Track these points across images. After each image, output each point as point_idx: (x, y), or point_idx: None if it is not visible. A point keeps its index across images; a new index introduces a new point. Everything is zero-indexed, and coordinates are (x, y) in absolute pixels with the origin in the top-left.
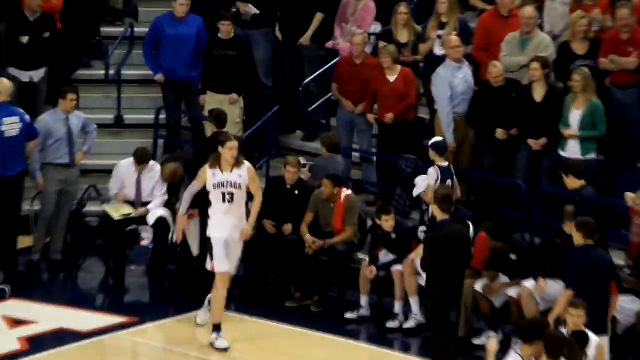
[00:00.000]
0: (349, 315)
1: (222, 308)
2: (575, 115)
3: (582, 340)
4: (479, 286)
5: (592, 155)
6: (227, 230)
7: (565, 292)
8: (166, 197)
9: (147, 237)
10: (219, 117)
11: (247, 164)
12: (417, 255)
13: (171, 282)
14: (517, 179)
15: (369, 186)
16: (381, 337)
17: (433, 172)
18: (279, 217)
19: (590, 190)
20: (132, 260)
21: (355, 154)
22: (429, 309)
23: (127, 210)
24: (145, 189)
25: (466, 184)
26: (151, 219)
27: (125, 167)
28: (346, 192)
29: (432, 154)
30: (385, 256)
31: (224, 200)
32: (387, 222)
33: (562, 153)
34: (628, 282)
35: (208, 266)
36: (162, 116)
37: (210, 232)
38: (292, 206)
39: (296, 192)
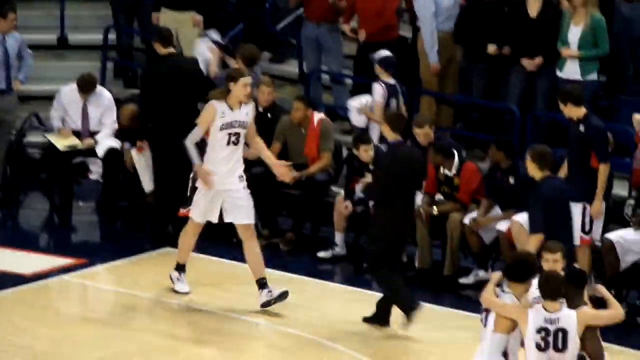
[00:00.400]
0: (322, 255)
1: (189, 250)
2: (574, 32)
3: (579, 280)
4: (467, 220)
5: (593, 76)
6: (223, 180)
7: (534, 236)
8: (116, 126)
9: (95, 171)
10: (162, 35)
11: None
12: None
13: (123, 220)
14: (509, 103)
15: (343, 112)
16: (358, 278)
17: (379, 89)
18: None
19: (596, 118)
20: (80, 195)
21: (325, 76)
22: (373, 239)
23: (73, 141)
24: (93, 118)
25: (453, 109)
26: (100, 151)
27: (69, 93)
28: (319, 115)
29: (378, 70)
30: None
31: (228, 142)
32: (366, 152)
33: (559, 74)
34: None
35: (184, 211)
36: (112, 36)
37: (200, 183)
38: (264, 131)
39: (269, 115)
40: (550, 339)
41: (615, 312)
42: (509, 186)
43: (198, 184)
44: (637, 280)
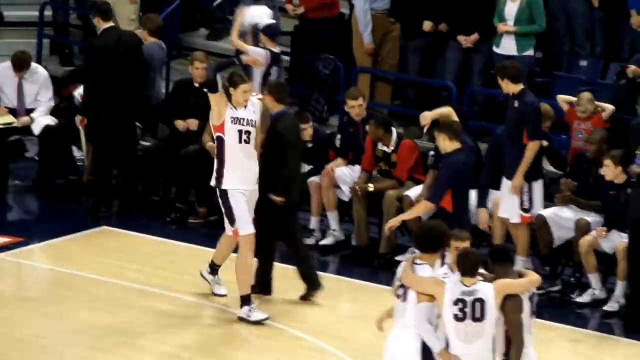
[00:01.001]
0: None
1: (250, 277)
2: (510, 8)
3: (503, 256)
4: (412, 194)
5: (529, 52)
6: (246, 180)
7: (426, 203)
8: (52, 103)
9: (31, 149)
10: (101, 8)
11: (254, 98)
12: (334, 165)
13: (59, 198)
14: (446, 79)
15: None
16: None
17: (263, 54)
18: (187, 118)
19: (531, 95)
20: (16, 174)
21: None
22: (264, 211)
23: (9, 118)
24: (28, 95)
25: (390, 86)
26: (37, 129)
27: (3, 71)
28: (256, 95)
29: (262, 38)
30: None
31: (240, 140)
32: (305, 131)
33: (496, 50)
34: (562, 200)
35: (228, 231)
36: (48, 13)
37: (227, 184)
38: (201, 106)
39: (205, 89)
40: (468, 309)
41: (531, 278)
42: None
43: (224, 186)
44: (571, 256)
